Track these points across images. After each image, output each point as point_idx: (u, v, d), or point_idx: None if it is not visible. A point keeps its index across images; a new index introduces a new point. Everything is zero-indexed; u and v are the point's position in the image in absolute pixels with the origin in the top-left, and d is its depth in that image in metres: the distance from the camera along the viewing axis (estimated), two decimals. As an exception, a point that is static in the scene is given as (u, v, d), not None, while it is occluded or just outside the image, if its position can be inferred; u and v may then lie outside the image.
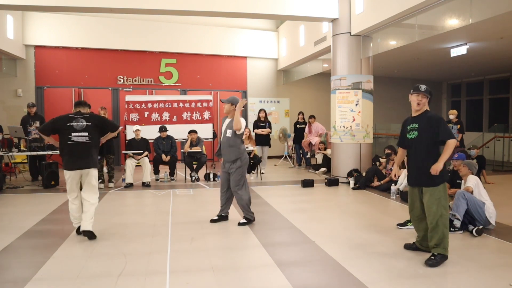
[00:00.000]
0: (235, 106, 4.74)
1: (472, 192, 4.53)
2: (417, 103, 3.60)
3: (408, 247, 3.85)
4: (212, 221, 4.91)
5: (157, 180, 8.13)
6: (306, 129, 10.17)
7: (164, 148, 8.23)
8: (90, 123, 4.25)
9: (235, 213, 5.38)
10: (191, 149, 8.10)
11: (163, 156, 8.10)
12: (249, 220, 4.82)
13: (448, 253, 3.49)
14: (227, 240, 4.28)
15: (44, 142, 8.15)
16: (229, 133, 4.73)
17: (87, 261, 3.56)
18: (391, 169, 7.07)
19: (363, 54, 7.87)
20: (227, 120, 4.86)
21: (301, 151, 10.47)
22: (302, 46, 10.68)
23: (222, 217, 4.99)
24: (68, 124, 4.18)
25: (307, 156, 10.32)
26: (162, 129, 8.32)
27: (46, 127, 4.30)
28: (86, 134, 4.20)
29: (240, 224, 4.78)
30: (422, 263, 3.45)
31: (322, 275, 3.28)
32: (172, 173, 8.27)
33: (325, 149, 9.45)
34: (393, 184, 6.55)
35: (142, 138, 7.98)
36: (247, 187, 4.86)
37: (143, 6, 7.11)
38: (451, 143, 3.45)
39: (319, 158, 9.47)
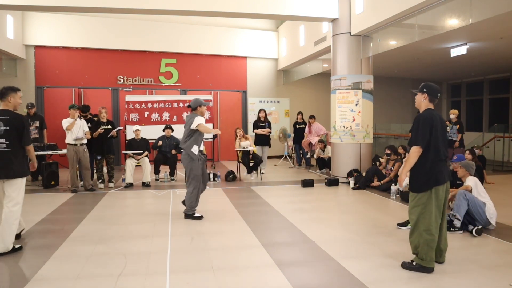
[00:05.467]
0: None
1: (471, 191, 4.54)
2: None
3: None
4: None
5: (157, 180, 8.13)
6: (306, 129, 10.17)
7: (166, 148, 8.22)
8: (8, 128, 3.75)
9: (231, 211, 5.38)
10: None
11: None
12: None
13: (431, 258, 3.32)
14: (227, 240, 4.27)
15: (44, 142, 8.18)
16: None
17: (87, 261, 3.56)
18: (391, 169, 7.07)
19: (363, 54, 7.87)
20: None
21: (301, 151, 10.48)
22: (302, 46, 10.68)
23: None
24: None
25: (307, 156, 10.32)
26: (167, 127, 8.33)
27: None
28: (4, 140, 3.74)
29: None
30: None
31: (322, 275, 3.28)
32: (172, 173, 8.27)
33: (325, 146, 9.34)
34: (393, 184, 6.55)
35: (142, 138, 7.97)
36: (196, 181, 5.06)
37: (143, 6, 7.11)
38: None
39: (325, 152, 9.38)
